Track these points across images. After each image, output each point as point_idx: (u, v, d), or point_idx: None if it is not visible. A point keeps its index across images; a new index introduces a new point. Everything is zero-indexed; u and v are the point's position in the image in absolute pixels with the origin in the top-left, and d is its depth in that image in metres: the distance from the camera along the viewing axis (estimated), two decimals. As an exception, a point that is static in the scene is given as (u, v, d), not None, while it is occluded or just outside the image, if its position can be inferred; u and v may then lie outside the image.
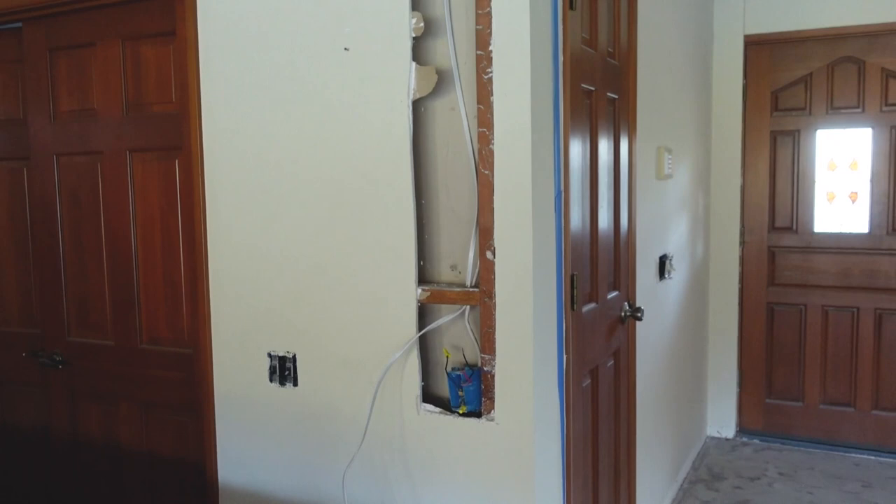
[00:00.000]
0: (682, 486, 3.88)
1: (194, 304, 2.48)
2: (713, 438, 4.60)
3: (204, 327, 2.44)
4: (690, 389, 4.13)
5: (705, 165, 4.34)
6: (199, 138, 2.38)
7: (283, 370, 2.32)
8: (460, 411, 2.06)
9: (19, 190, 2.90)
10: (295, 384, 2.31)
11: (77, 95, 2.69)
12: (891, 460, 4.21)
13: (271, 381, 2.34)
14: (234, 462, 2.44)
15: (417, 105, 2.09)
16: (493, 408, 2.03)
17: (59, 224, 2.78)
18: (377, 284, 2.15)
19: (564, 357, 2.20)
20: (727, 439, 4.59)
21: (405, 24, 2.04)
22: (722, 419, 4.61)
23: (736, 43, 4.36)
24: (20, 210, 2.90)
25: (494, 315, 2.00)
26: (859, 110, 4.20)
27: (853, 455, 4.29)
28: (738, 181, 4.45)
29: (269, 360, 2.34)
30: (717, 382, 4.59)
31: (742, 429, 4.61)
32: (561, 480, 2.20)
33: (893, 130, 4.15)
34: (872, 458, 4.25)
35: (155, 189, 2.60)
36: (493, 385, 2.02)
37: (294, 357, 2.30)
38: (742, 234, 4.49)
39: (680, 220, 3.73)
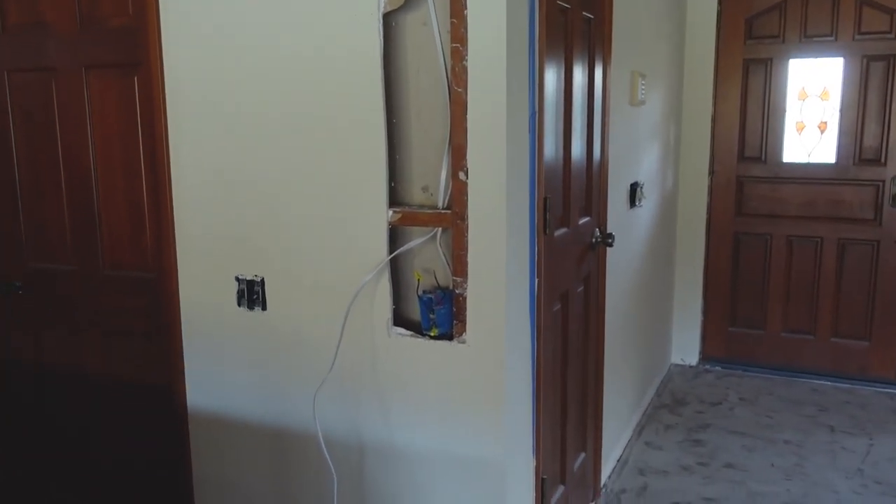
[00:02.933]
0: (646, 411, 3.96)
1: (158, 228, 2.41)
2: (677, 366, 4.70)
3: (169, 251, 2.38)
4: (656, 317, 4.18)
5: (677, 93, 4.30)
6: (159, 54, 2.27)
7: (252, 294, 2.28)
8: (431, 334, 2.05)
9: (-31, 109, 2.76)
10: (264, 308, 2.27)
11: (26, 6, 2.54)
12: (846, 385, 4.34)
13: (240, 305, 2.30)
14: (202, 387, 2.42)
15: (388, 19, 2.00)
16: (465, 330, 2.02)
17: (13, 144, 2.66)
18: (347, 206, 2.10)
19: (536, 280, 2.19)
20: (690, 366, 4.68)
21: (375, -68, 1.94)
22: (686, 347, 4.69)
23: (711, -33, 4.27)
24: (-29, 130, 2.77)
25: (467, 237, 1.97)
26: (832, 38, 4.17)
27: (811, 381, 4.41)
28: (709, 110, 4.43)
29: (237, 284, 2.29)
30: (682, 311, 4.66)
31: (705, 356, 4.71)
32: (531, 403, 2.22)
33: (865, 60, 4.13)
34: (829, 383, 4.37)
35: (113, 107, 2.49)
36: (465, 308, 2.01)
37: (262, 281, 2.26)
38: (711, 163, 4.49)
39: (652, 148, 3.71)
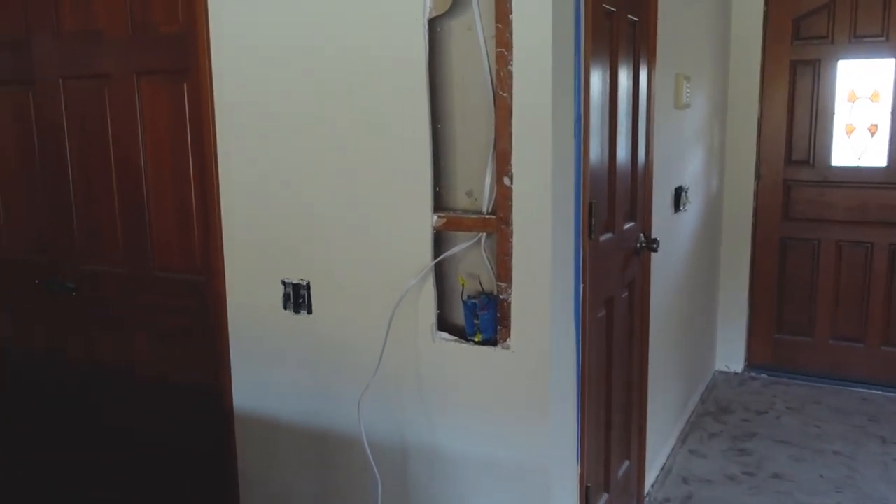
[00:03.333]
0: (689, 418, 3.91)
1: (206, 231, 2.45)
2: (722, 373, 4.62)
3: (217, 254, 2.42)
4: (700, 324, 4.12)
5: (723, 96, 4.24)
6: (208, 60, 2.31)
7: (298, 298, 2.30)
8: (476, 339, 2.05)
9: (25, 115, 2.83)
10: (309, 312, 2.29)
11: (81, 14, 2.60)
12: (898, 395, 4.23)
13: (285, 308, 2.32)
14: (248, 388, 2.45)
15: (433, 24, 2.01)
16: (509, 336, 2.01)
17: (68, 150, 2.73)
18: (392, 211, 2.11)
19: (581, 286, 2.18)
20: (735, 374, 4.60)
21: (421, -62, 1.95)
22: (731, 354, 4.62)
23: (758, -33, 4.21)
24: (27, 136, 2.83)
25: (511, 242, 1.97)
26: (883, 39, 4.07)
27: (861, 390, 4.30)
28: (755, 113, 4.35)
29: (283, 287, 2.32)
30: (727, 317, 4.58)
31: (750, 363, 4.62)
32: (575, 409, 2.20)
33: (918, 61, 4.03)
34: (880, 393, 4.26)
35: (164, 113, 2.54)
36: (509, 313, 2.00)
37: (308, 284, 2.28)
38: (758, 167, 4.41)
39: (696, 152, 3.66)
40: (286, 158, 2.24)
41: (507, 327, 2.01)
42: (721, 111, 4.23)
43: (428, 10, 1.98)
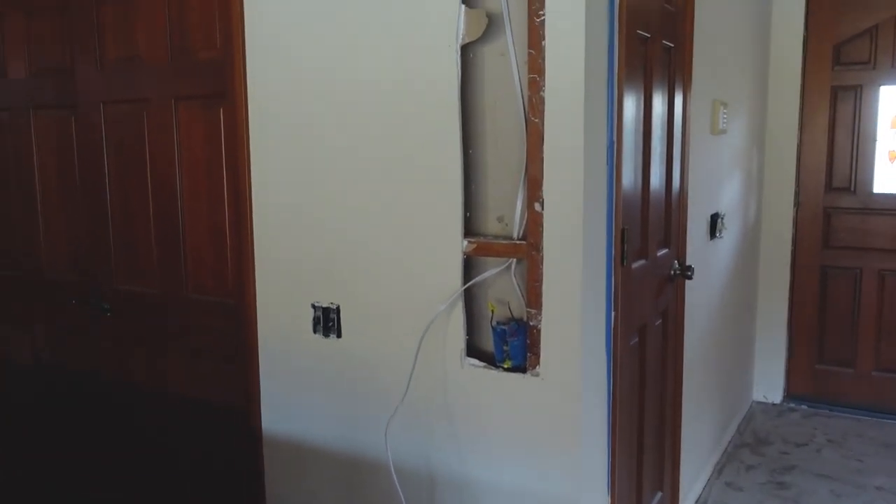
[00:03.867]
0: (726, 449, 3.82)
1: (239, 254, 2.48)
2: (759, 403, 4.52)
3: (248, 277, 2.43)
4: (737, 353, 4.04)
5: (761, 122, 4.18)
6: (244, 86, 2.34)
7: (327, 321, 2.30)
8: (505, 366, 2.03)
9: (67, 139, 2.90)
10: (338, 336, 2.29)
11: (123, 42, 2.67)
12: (945, 429, 4.09)
13: (315, 332, 2.33)
14: (277, 411, 2.45)
15: (466, 50, 2.02)
16: (539, 363, 1.99)
17: (106, 173, 2.79)
18: (423, 236, 2.10)
19: (613, 313, 2.15)
20: (774, 404, 4.49)
21: (455, -34, 1.96)
22: (769, 384, 4.51)
23: (797, -7, 4.16)
24: (68, 159, 2.90)
25: (542, 269, 1.95)
26: (927, 65, 3.99)
27: (905, 423, 4.17)
28: (794, 139, 4.28)
29: (312, 311, 2.32)
30: (765, 346, 4.48)
31: (790, 394, 4.51)
32: (606, 439, 2.16)
33: (964, 86, 3.93)
34: (926, 426, 4.13)
35: (200, 138, 2.58)
36: (539, 340, 1.98)
37: (338, 308, 2.28)
38: (797, 194, 4.33)
39: (733, 178, 3.61)
40: (318, 183, 2.25)
41: (537, 354, 1.99)
42: (759, 137, 4.17)
43: (461, 36, 1.99)
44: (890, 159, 4.16)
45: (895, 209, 4.14)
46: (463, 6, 1.97)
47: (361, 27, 2.11)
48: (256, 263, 2.41)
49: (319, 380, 2.35)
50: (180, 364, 2.75)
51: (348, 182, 2.20)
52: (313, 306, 2.32)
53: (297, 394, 2.40)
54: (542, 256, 1.94)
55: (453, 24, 1.98)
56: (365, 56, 2.12)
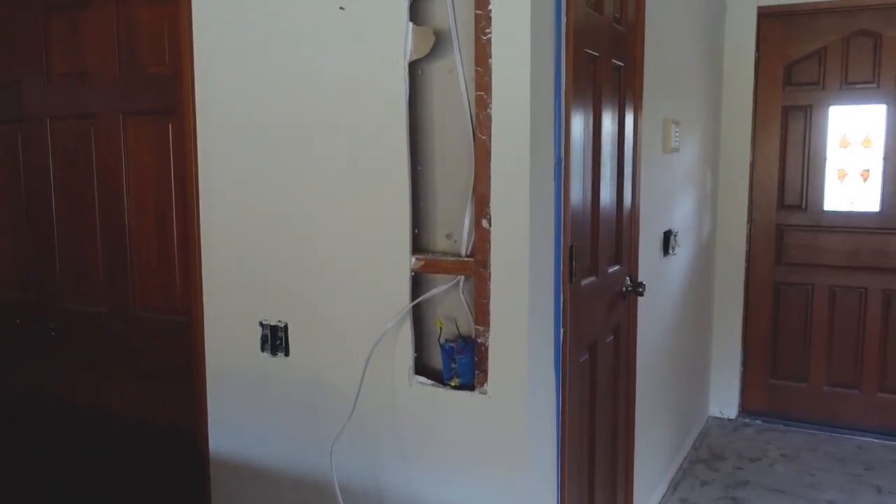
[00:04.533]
0: (681, 465, 3.84)
1: (187, 271, 2.44)
2: (715, 419, 4.56)
3: (196, 295, 2.39)
4: (693, 368, 4.08)
5: (714, 140, 4.25)
6: (192, 101, 2.32)
7: (275, 339, 2.27)
8: (452, 384, 2.01)
9: (13, 154, 2.84)
10: (286, 354, 2.26)
11: (71, 57, 2.62)
12: (894, 443, 4.15)
13: (263, 350, 2.29)
14: (225, 432, 2.41)
15: (414, 67, 2.02)
16: (486, 381, 1.98)
17: (53, 190, 2.73)
18: (370, 253, 2.09)
19: (562, 330, 2.15)
20: (729, 420, 4.54)
21: (402, -17, 1.96)
22: (725, 399, 4.56)
23: (749, 14, 4.25)
24: (14, 175, 2.84)
25: (489, 285, 1.94)
26: (874, 86, 4.09)
27: (857, 438, 4.23)
28: (747, 157, 4.36)
29: (260, 329, 2.29)
30: (720, 362, 4.53)
31: (745, 409, 4.56)
32: (555, 456, 2.16)
33: (909, 107, 4.04)
34: (876, 441, 4.19)
35: (148, 153, 2.54)
36: (487, 358, 1.97)
37: (286, 326, 2.25)
38: (750, 211, 4.40)
39: (686, 196, 3.66)
40: (266, 200, 2.23)
41: (485, 372, 1.98)
42: (713, 155, 4.24)
43: (409, 53, 1.99)
44: (839, 178, 4.25)
45: (845, 227, 4.23)
46: (410, 23, 1.97)
47: (311, 43, 2.10)
48: (204, 280, 2.37)
49: (267, 400, 2.31)
50: (127, 384, 2.69)
51: (296, 199, 2.18)
52: (261, 324, 2.29)
53: (244, 414, 2.36)
54: (490, 273, 1.94)
55: (401, 41, 1.98)
56: (314, 72, 2.11)
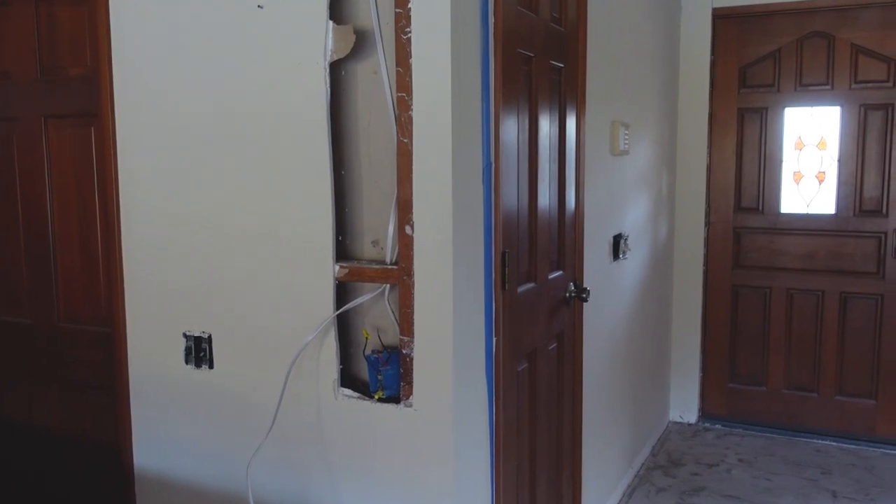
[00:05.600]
0: (638, 472, 3.79)
1: (110, 280, 2.34)
2: (676, 423, 4.51)
3: (119, 305, 2.30)
4: (651, 373, 4.03)
5: (671, 143, 4.21)
6: (111, 104, 2.22)
7: (199, 351, 2.18)
8: (377, 396, 1.94)
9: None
10: (210, 366, 2.17)
11: (-12, 57, 2.52)
12: (852, 447, 4.13)
13: (187, 362, 2.20)
14: (150, 447, 2.31)
15: (338, 68, 1.95)
16: (412, 393, 1.90)
17: (-24, 195, 2.62)
18: (294, 261, 2.01)
19: (494, 339, 2.08)
20: (689, 424, 4.50)
21: (321, -20, 1.89)
22: (685, 404, 4.51)
23: (704, 16, 4.22)
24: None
25: (413, 294, 1.87)
26: (828, 87, 4.07)
27: (815, 441, 4.20)
28: (704, 160, 4.32)
29: (184, 340, 2.20)
30: (680, 367, 4.49)
31: (705, 414, 4.52)
32: (489, 468, 2.09)
33: (863, 109, 4.02)
34: (834, 444, 4.17)
35: (71, 158, 2.45)
36: (412, 369, 1.89)
37: (210, 337, 2.16)
38: (708, 214, 4.37)
39: (639, 199, 3.60)
40: (187, 206, 2.14)
41: (410, 383, 1.90)
42: (669, 158, 4.19)
43: (329, 53, 1.91)
44: (796, 180, 4.23)
45: (801, 229, 4.20)
46: (331, 22, 1.89)
47: (230, 44, 2.02)
48: (126, 290, 2.28)
49: (191, 414, 2.22)
50: (55, 397, 2.58)
51: (218, 205, 2.10)
52: (185, 335, 2.20)
53: (169, 429, 2.27)
54: (414, 282, 1.87)
55: (321, 41, 1.90)
56: (235, 74, 2.03)
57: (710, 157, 4.34)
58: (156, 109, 2.15)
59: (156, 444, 2.29)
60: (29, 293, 2.57)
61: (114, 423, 2.40)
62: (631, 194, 3.45)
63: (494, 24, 1.99)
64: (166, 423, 2.26)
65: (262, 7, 1.97)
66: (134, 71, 2.16)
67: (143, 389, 2.30)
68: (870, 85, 4.00)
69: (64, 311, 2.52)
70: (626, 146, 3.23)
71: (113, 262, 2.29)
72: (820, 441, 4.20)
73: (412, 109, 1.82)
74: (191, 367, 2.20)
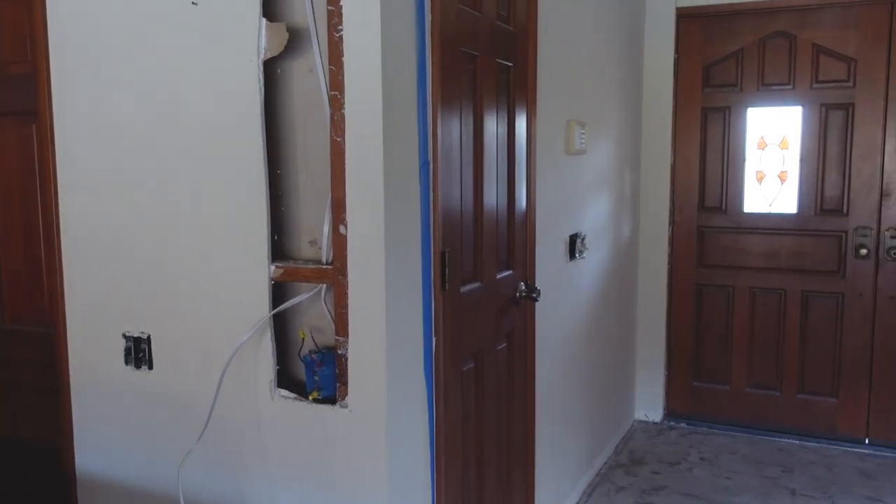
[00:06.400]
0: (599, 471, 3.79)
1: (51, 283, 2.31)
2: (641, 422, 4.52)
3: (59, 306, 2.27)
4: (614, 372, 4.03)
5: (634, 142, 4.22)
6: (49, 102, 2.19)
7: (138, 352, 2.16)
8: (312, 397, 1.92)
9: None
10: (150, 367, 2.15)
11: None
12: (813, 445, 4.15)
13: (127, 363, 2.18)
14: (92, 449, 2.28)
15: (273, 66, 1.93)
16: (347, 393, 1.89)
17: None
18: (229, 261, 1.99)
19: (434, 339, 2.07)
20: (654, 423, 4.51)
21: (254, -23, 1.87)
22: (650, 403, 4.52)
23: (667, 15, 4.22)
24: None
25: (347, 294, 1.86)
26: (790, 87, 4.09)
27: (778, 440, 4.22)
28: (668, 159, 4.33)
29: (124, 341, 2.18)
30: (645, 365, 4.50)
31: (670, 412, 4.53)
32: (429, 470, 2.08)
33: (824, 108, 4.04)
34: (796, 442, 4.19)
35: (13, 157, 2.42)
36: (347, 369, 1.88)
37: (149, 338, 2.14)
38: (672, 213, 4.38)
39: (598, 198, 3.60)
40: (123, 205, 2.11)
41: (346, 384, 1.89)
42: (632, 157, 4.20)
43: (263, 51, 1.89)
44: (758, 180, 4.24)
45: (764, 229, 4.22)
46: (264, 20, 1.88)
47: (165, 41, 2.00)
48: (66, 292, 2.25)
49: (131, 415, 2.20)
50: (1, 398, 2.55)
51: (154, 204, 2.07)
52: (124, 336, 2.17)
53: (110, 432, 2.24)
54: (348, 281, 1.85)
55: (254, 39, 1.89)
56: (170, 72, 2.00)
57: (674, 156, 4.35)
58: (92, 108, 2.12)
59: (97, 446, 2.27)
60: (-28, 294, 2.53)
61: (56, 425, 2.37)
62: (589, 194, 3.45)
63: (431, 21, 1.98)
64: (108, 423, 2.24)
65: (196, 4, 1.95)
66: (70, 69, 2.14)
67: (84, 390, 2.27)
68: (830, 84, 4.02)
69: (8, 312, 2.49)
70: (583, 145, 3.23)
71: (53, 263, 2.26)
72: (783, 439, 4.22)
73: (345, 108, 1.81)
74: (130, 368, 2.17)
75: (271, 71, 1.94)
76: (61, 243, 2.23)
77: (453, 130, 2.15)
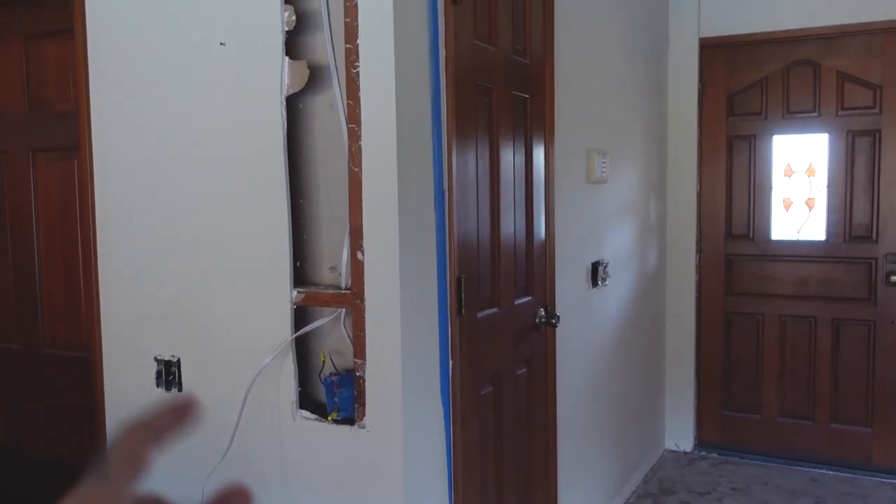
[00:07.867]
0: (627, 500, 3.77)
1: (90, 308, 2.43)
2: (671, 452, 4.49)
3: (95, 332, 2.38)
4: (642, 400, 4.03)
5: (659, 171, 4.25)
6: (89, 138, 2.33)
7: (169, 375, 2.25)
8: (331, 418, 1.99)
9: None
10: (179, 389, 2.24)
11: (-21, 95, 2.65)
12: (848, 475, 4.08)
13: (158, 386, 2.28)
14: (124, 469, 2.37)
15: (296, 102, 2.04)
16: (365, 414, 1.95)
17: (-31, 226, 2.74)
18: (254, 287, 2.08)
19: (451, 362, 2.13)
20: (685, 453, 4.47)
21: (278, 18, 1.98)
22: (680, 432, 4.49)
23: (691, 46, 4.28)
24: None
25: (365, 318, 1.93)
26: (815, 115, 4.10)
27: (811, 470, 4.16)
28: (694, 187, 4.35)
29: (155, 364, 2.28)
30: (674, 394, 4.48)
31: (701, 442, 4.49)
32: (447, 490, 2.12)
33: (850, 135, 4.04)
34: (830, 473, 4.12)
35: (57, 189, 2.56)
36: (365, 391, 1.95)
37: (178, 361, 2.24)
38: (699, 241, 4.38)
39: (621, 226, 3.64)
40: (157, 235, 2.23)
41: (363, 405, 1.96)
42: (658, 185, 4.23)
43: (286, 87, 2.00)
44: (785, 207, 4.24)
45: (792, 256, 4.20)
46: (287, 58, 1.99)
47: (194, 79, 2.12)
48: (102, 316, 2.36)
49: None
50: (41, 421, 2.67)
51: (185, 233, 2.18)
52: (156, 359, 2.27)
53: (141, 450, 2.33)
54: (365, 306, 1.93)
55: (277, 76, 2.00)
56: (199, 107, 2.12)
57: (699, 184, 4.37)
58: (128, 143, 2.25)
59: (129, 466, 2.36)
60: (18, 320, 2.66)
61: (94, 448, 2.47)
62: (611, 221, 3.49)
63: (445, 57, 2.07)
64: (138, 445, 2.33)
65: (224, 44, 2.07)
66: (108, 106, 2.27)
67: (118, 413, 2.37)
68: (856, 111, 4.02)
69: (49, 337, 2.61)
70: (604, 174, 3.28)
71: (91, 289, 2.38)
72: (816, 470, 4.16)
73: (361, 140, 1.90)
74: (161, 391, 2.27)
75: (294, 106, 2.04)
76: (98, 271, 2.35)
77: (469, 161, 2.22)
